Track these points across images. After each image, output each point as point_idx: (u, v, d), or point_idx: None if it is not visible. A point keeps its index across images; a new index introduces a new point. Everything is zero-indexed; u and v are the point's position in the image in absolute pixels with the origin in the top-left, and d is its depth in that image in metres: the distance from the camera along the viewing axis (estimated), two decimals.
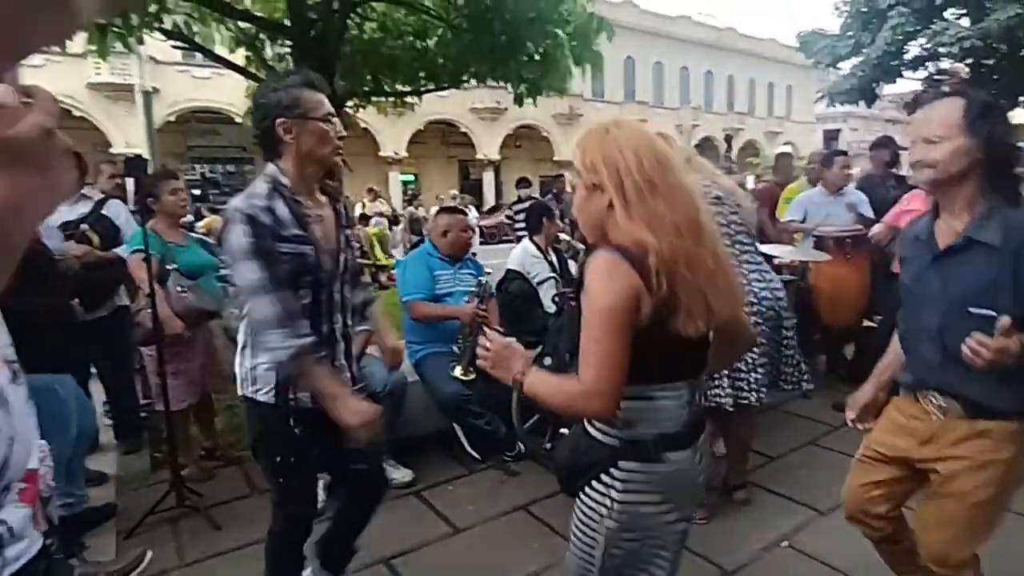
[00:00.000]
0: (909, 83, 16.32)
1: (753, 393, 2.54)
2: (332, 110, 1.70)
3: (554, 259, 3.91)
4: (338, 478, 2.07)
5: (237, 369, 1.79)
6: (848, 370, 4.33)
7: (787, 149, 6.37)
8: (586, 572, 1.34)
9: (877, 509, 1.73)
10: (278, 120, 1.63)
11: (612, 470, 1.25)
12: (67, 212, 3.03)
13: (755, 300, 2.55)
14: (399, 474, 3.00)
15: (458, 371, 3.07)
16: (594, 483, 1.28)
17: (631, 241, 1.14)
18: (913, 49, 14.48)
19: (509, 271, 3.80)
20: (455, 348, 3.20)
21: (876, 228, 3.54)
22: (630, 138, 1.20)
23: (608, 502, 1.26)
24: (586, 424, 1.32)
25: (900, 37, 13.70)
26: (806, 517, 2.64)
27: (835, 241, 3.91)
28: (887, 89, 17.71)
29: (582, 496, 1.32)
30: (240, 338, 1.79)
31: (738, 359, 2.25)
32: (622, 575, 1.34)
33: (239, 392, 1.81)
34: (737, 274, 1.44)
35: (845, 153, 4.30)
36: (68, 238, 3.02)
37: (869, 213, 4.00)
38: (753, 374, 2.55)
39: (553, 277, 3.78)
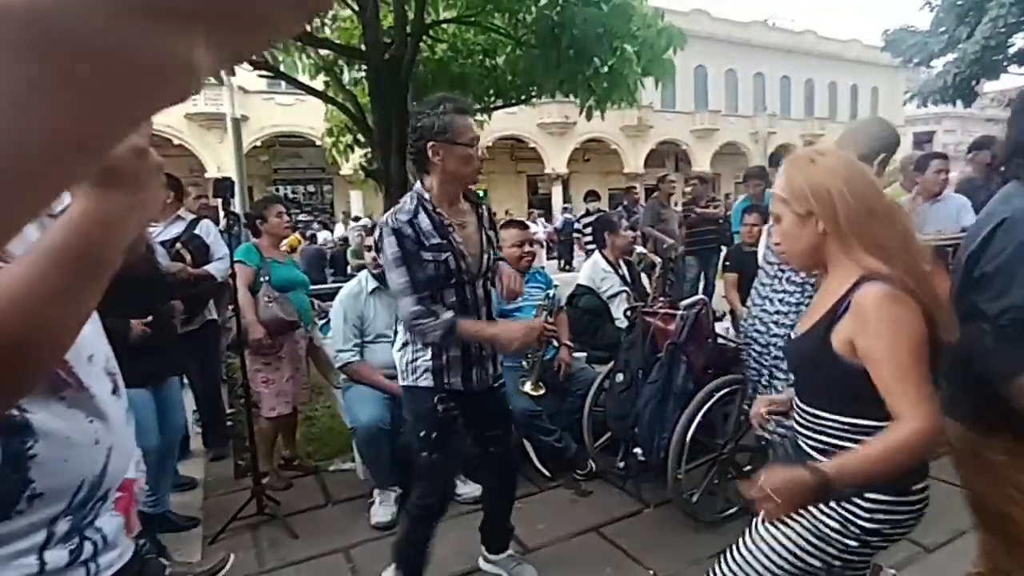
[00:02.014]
0: (1013, 79, 14.98)
1: None
2: (477, 134, 1.89)
3: (626, 272, 3.82)
4: (475, 464, 2.35)
5: (397, 363, 2.07)
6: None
7: None
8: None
9: None
10: (430, 144, 1.82)
11: (857, 499, 1.21)
12: (163, 232, 3.26)
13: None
14: (468, 489, 2.98)
15: (528, 387, 3.03)
16: (832, 506, 1.23)
17: (867, 270, 1.16)
18: (1018, 42, 13.32)
19: (579, 286, 3.74)
20: (524, 364, 3.17)
21: None
22: (837, 165, 1.21)
23: (851, 529, 1.22)
24: (815, 453, 1.29)
25: (1002, 30, 12.61)
26: (908, 554, 2.41)
27: (936, 251, 3.59)
28: (987, 87, 16.37)
29: (812, 515, 1.26)
30: (399, 336, 2.08)
31: None
32: None
33: (399, 382, 2.09)
34: None
35: (944, 156, 3.95)
36: None
37: (972, 219, 3.66)
38: None
39: (624, 291, 3.69)
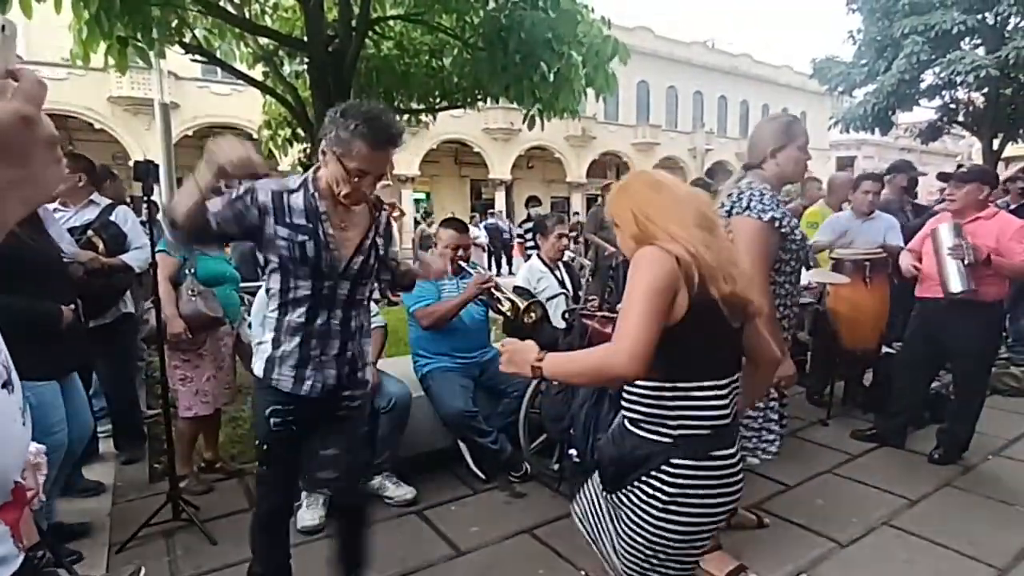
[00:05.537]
0: (924, 112, 16.22)
1: None
2: (368, 170, 1.73)
3: (563, 275, 3.85)
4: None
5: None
6: (866, 397, 4.21)
7: (813, 174, 6.22)
8: (632, 566, 1.42)
9: None
10: (325, 142, 1.75)
11: (663, 467, 1.32)
12: (74, 218, 3.02)
13: None
14: (400, 492, 2.92)
15: (516, 301, 3.11)
16: (644, 479, 1.35)
17: (651, 242, 1.30)
18: (928, 78, 14.42)
19: (515, 288, 3.74)
20: (501, 309, 3.20)
21: (905, 262, 3.48)
22: (633, 183, 1.45)
23: (659, 498, 1.33)
24: (629, 424, 1.40)
25: (915, 65, 13.63)
26: (825, 549, 2.52)
27: (853, 264, 3.82)
28: (902, 118, 17.61)
29: (629, 493, 1.38)
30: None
31: (767, 383, 1.83)
32: (664, 565, 1.40)
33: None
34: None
35: (876, 177, 4.14)
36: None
37: (898, 240, 3.88)
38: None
39: (563, 293, 3.71)
